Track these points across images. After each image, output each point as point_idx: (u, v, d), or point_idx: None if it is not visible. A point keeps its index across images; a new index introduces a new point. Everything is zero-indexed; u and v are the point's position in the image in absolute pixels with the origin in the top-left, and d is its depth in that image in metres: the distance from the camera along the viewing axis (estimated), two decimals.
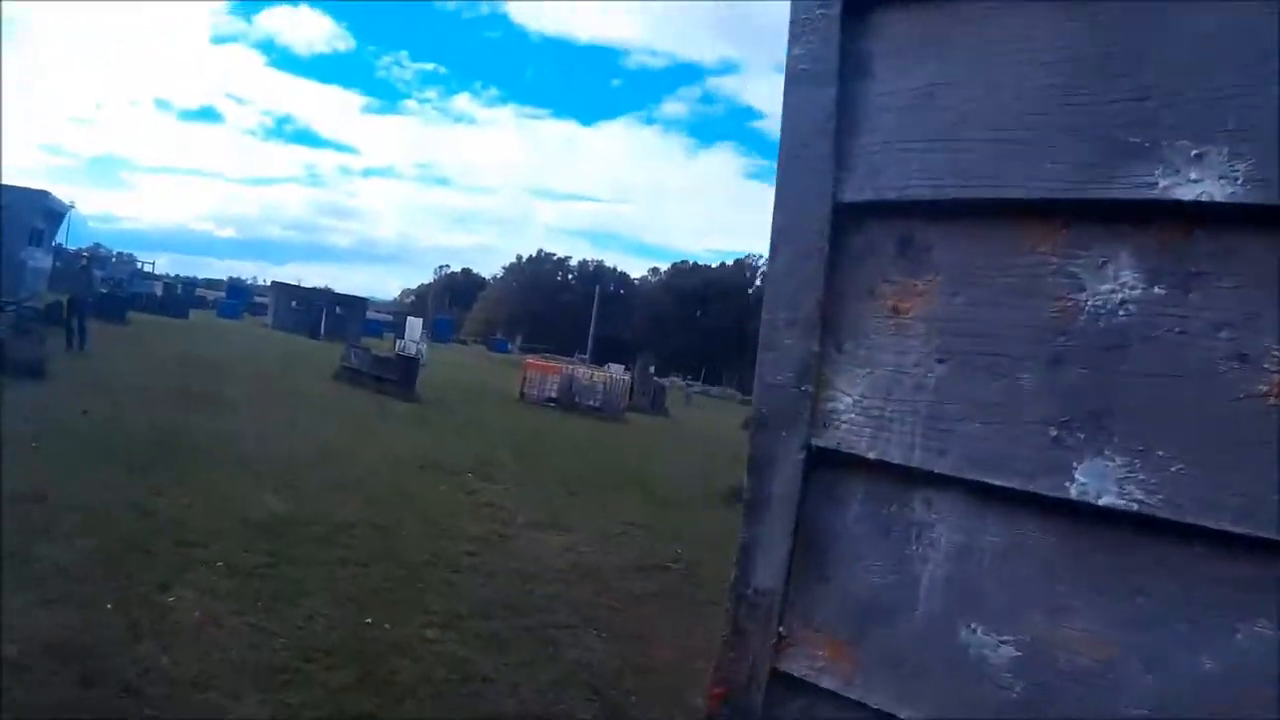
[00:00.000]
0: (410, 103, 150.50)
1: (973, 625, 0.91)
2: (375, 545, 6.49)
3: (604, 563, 7.38)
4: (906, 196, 0.96)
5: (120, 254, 63.55)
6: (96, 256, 38.31)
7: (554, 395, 22.71)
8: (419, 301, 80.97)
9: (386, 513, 7.61)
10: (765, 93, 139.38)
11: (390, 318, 55.64)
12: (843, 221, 1.00)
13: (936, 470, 0.91)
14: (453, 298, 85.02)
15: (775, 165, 1.05)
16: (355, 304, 43.48)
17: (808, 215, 1.01)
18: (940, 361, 0.93)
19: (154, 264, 64.25)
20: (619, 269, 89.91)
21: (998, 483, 0.89)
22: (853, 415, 0.97)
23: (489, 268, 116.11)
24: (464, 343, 61.99)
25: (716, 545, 9.00)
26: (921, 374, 0.94)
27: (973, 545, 0.92)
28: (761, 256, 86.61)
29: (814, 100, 1.02)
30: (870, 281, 0.98)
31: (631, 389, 26.61)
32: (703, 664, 4.74)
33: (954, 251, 0.94)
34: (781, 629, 1.01)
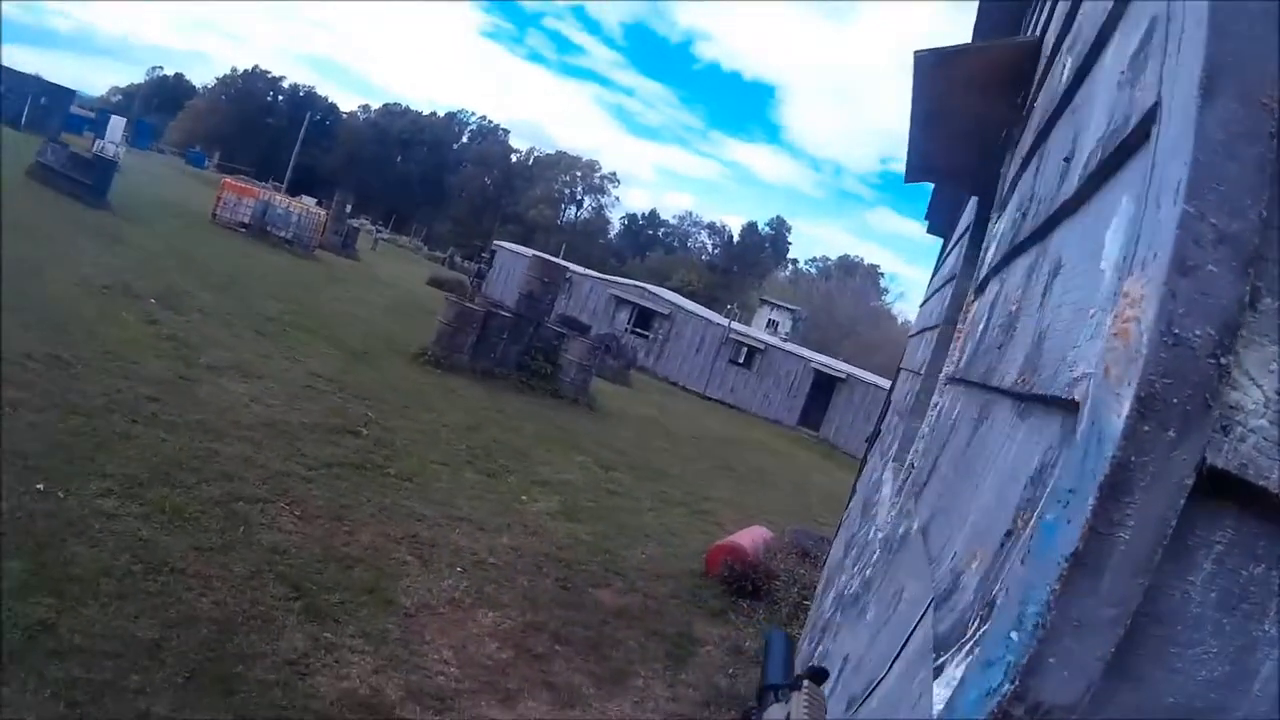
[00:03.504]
0: None
1: None
2: (50, 383, 5.39)
3: (293, 420, 6.42)
4: None
5: None
6: None
7: (247, 220, 21.18)
8: (126, 101, 73.81)
9: (65, 343, 6.34)
10: None
11: (94, 115, 47.85)
12: None
13: None
14: (160, 102, 75.85)
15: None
16: (61, 95, 39.10)
17: (1260, 55, 0.58)
18: None
19: None
20: (330, 99, 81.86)
21: None
22: (1263, 422, 0.59)
23: (203, 77, 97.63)
24: (162, 151, 57.73)
25: (404, 409, 8.48)
26: None
27: None
28: (474, 114, 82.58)
29: None
30: None
31: (325, 226, 24.54)
32: (404, 553, 4.37)
33: None
34: None
